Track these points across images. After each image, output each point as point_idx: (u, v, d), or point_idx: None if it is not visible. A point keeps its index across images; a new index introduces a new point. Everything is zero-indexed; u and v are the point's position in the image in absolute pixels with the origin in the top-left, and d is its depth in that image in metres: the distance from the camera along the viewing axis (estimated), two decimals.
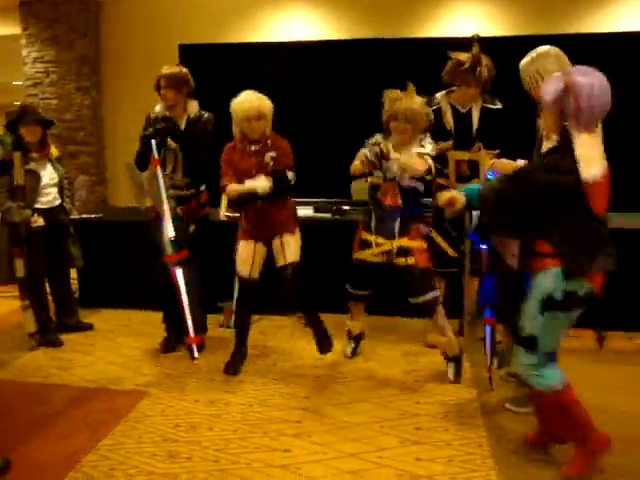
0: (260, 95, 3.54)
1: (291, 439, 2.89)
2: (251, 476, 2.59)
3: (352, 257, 3.69)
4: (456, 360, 3.53)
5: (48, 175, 4.26)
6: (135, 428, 3.01)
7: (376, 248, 3.56)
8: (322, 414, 3.15)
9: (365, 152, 3.52)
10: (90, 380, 3.63)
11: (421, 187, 3.57)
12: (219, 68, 7.05)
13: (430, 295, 3.46)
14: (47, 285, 4.43)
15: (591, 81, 2.38)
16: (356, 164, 3.56)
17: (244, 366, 3.75)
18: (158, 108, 3.90)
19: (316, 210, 5.02)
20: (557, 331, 2.54)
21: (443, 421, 3.06)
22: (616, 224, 4.54)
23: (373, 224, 3.59)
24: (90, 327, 4.59)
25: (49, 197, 4.26)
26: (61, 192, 4.35)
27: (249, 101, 3.47)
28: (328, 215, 4.92)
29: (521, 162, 3.08)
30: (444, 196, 2.67)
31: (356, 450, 2.78)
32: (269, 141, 3.56)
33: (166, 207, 3.63)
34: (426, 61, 5.51)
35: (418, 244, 3.51)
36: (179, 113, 3.89)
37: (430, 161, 3.41)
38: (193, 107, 3.95)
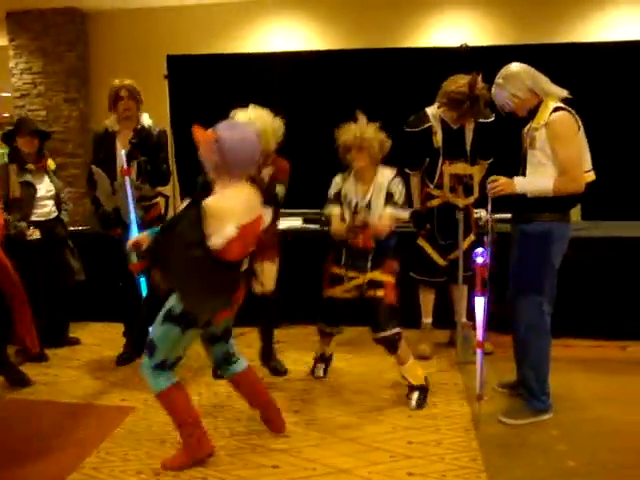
0: (261, 111, 3.43)
1: (280, 455, 2.84)
2: None
3: (322, 294, 3.55)
4: (420, 389, 3.36)
5: (45, 187, 4.22)
6: (121, 445, 2.95)
7: (347, 283, 3.42)
8: (311, 429, 3.10)
9: (335, 214, 3.41)
10: (76, 396, 3.57)
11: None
12: (208, 79, 7.01)
13: (393, 331, 3.30)
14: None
15: (234, 135, 2.56)
16: (339, 230, 3.40)
17: None
18: (108, 122, 3.93)
19: (305, 221, 4.98)
20: (172, 342, 2.69)
21: (435, 434, 3.02)
22: (615, 232, 4.61)
23: (344, 259, 3.43)
24: (77, 342, 4.52)
25: (45, 209, 4.21)
26: (58, 204, 4.30)
27: (249, 118, 3.39)
28: (317, 226, 4.89)
29: (518, 179, 3.06)
30: None
31: (346, 465, 2.73)
32: (270, 159, 3.51)
33: (133, 216, 3.69)
34: (416, 70, 5.53)
35: (389, 279, 3.38)
36: (133, 125, 3.89)
37: (399, 215, 3.34)
38: (145, 119, 3.96)
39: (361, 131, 3.29)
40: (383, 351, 3.97)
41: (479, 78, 3.69)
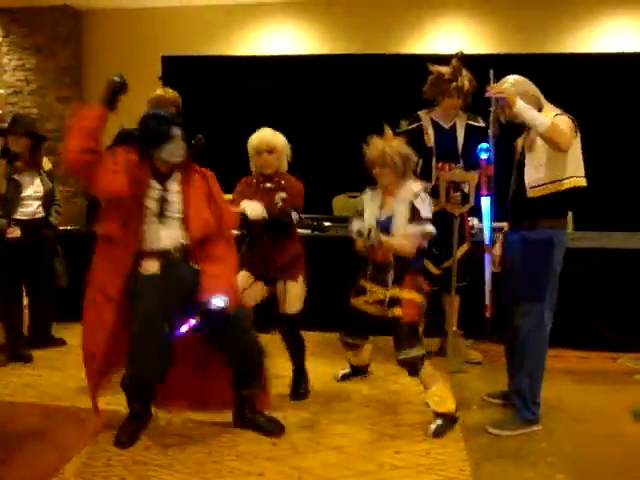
0: (274, 131, 3.47)
1: (265, 462, 2.79)
2: None
3: (347, 304, 3.47)
4: (443, 417, 3.13)
5: (33, 188, 4.16)
6: (105, 450, 2.89)
7: (369, 296, 3.34)
8: (298, 437, 3.05)
9: (358, 230, 3.30)
10: (59, 398, 3.51)
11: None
12: (202, 80, 6.99)
13: (413, 354, 3.12)
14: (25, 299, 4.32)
15: None
16: (359, 246, 3.33)
17: None
18: None
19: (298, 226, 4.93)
20: None
21: (424, 444, 2.98)
22: (607, 243, 4.60)
23: (369, 272, 3.36)
24: (63, 342, 4.46)
25: (29, 209, 4.15)
26: (46, 206, 4.24)
27: (261, 134, 3.45)
28: (308, 231, 4.85)
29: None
30: None
31: (333, 474, 2.69)
32: (283, 181, 3.47)
33: None
34: (410, 77, 5.51)
35: (408, 294, 3.20)
36: None
37: (428, 230, 3.16)
38: None
39: (384, 147, 3.19)
40: (378, 358, 3.92)
41: (460, 52, 3.81)
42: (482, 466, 2.77)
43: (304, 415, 3.30)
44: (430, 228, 3.16)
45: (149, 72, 6.70)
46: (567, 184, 3.00)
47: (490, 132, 3.15)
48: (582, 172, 3.05)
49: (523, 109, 2.91)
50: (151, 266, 2.94)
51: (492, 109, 3.14)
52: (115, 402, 3.40)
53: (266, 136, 3.43)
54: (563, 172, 3.00)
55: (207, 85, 6.90)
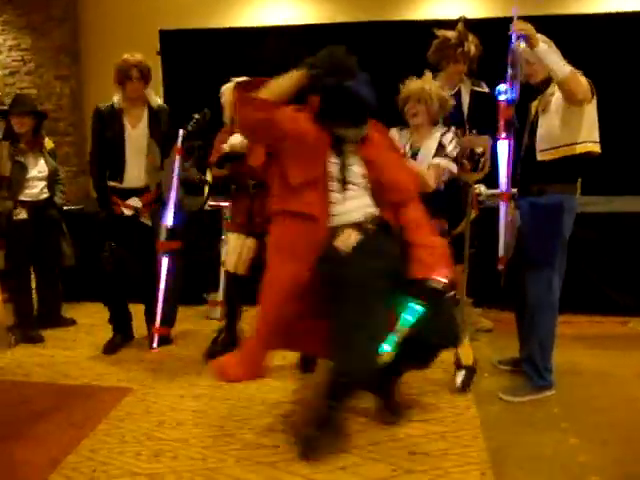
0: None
1: (280, 435, 2.80)
2: (239, 474, 2.49)
3: None
4: (467, 369, 3.22)
5: (37, 168, 4.15)
6: (118, 427, 2.91)
7: None
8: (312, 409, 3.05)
9: None
10: (72, 377, 3.52)
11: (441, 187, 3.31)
12: (201, 54, 6.88)
13: None
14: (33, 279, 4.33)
15: None
16: None
17: None
18: (116, 99, 3.76)
19: None
20: None
21: (436, 413, 2.96)
22: (615, 207, 4.55)
23: None
24: (73, 322, 4.48)
25: (35, 190, 4.14)
26: (51, 186, 4.22)
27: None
28: None
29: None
30: None
31: (348, 445, 2.65)
32: None
33: (173, 194, 3.69)
34: (412, 44, 5.41)
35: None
36: (140, 104, 3.77)
37: (449, 166, 3.19)
38: (155, 98, 3.85)
39: (424, 84, 3.21)
40: None
41: (463, 16, 3.75)
42: (494, 432, 2.77)
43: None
44: (453, 166, 3.18)
45: (147, 47, 6.56)
46: (580, 148, 2.93)
47: (510, 73, 3.02)
48: (597, 137, 2.97)
49: (545, 51, 2.81)
50: (347, 239, 2.52)
51: (513, 48, 2.97)
52: (127, 379, 3.44)
53: None
54: (577, 136, 2.91)
55: (206, 58, 6.80)
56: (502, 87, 2.97)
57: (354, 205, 2.66)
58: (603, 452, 2.58)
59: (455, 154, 3.19)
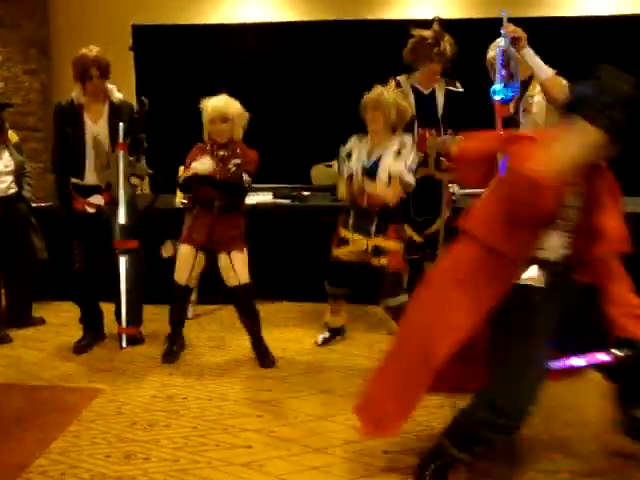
0: (230, 99, 3.43)
1: (253, 434, 2.79)
2: (212, 475, 2.48)
3: (330, 255, 3.63)
4: None
5: (2, 162, 4.04)
6: (89, 428, 2.86)
7: (352, 245, 3.50)
8: (285, 408, 3.05)
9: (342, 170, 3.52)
10: (41, 378, 3.46)
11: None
12: (175, 51, 6.81)
13: (399, 300, 3.38)
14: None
15: None
16: (341, 192, 3.56)
17: (203, 359, 3.67)
18: (74, 94, 3.68)
19: (275, 196, 4.90)
20: None
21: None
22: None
23: (351, 221, 3.52)
24: (42, 321, 4.40)
25: (2, 185, 4.03)
26: (18, 180, 4.13)
27: (216, 102, 3.38)
28: (288, 201, 4.81)
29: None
30: None
31: (321, 444, 2.70)
32: (238, 150, 3.46)
33: (122, 192, 3.62)
34: (386, 43, 5.44)
35: (393, 245, 3.43)
36: (101, 99, 3.70)
37: (407, 179, 3.37)
38: (115, 93, 3.76)
39: (382, 92, 3.33)
40: (361, 327, 3.94)
41: (438, 16, 3.80)
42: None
43: (289, 386, 3.30)
44: (411, 179, 3.35)
45: (119, 42, 6.50)
46: None
47: (503, 74, 3.05)
48: None
49: (530, 54, 3.02)
50: (535, 276, 2.22)
51: (502, 48, 3.02)
52: (99, 380, 3.40)
53: (219, 105, 3.38)
54: None
55: (179, 54, 6.73)
56: (497, 87, 3.02)
57: (552, 243, 2.22)
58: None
59: (414, 167, 3.37)
